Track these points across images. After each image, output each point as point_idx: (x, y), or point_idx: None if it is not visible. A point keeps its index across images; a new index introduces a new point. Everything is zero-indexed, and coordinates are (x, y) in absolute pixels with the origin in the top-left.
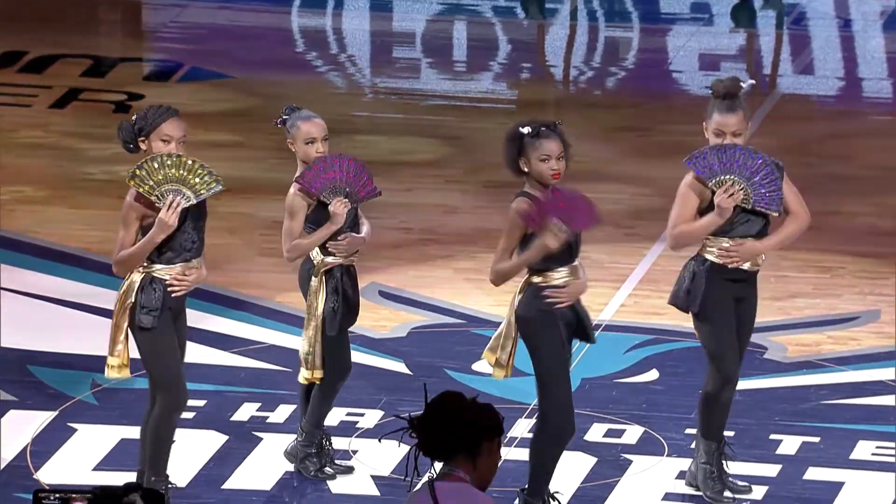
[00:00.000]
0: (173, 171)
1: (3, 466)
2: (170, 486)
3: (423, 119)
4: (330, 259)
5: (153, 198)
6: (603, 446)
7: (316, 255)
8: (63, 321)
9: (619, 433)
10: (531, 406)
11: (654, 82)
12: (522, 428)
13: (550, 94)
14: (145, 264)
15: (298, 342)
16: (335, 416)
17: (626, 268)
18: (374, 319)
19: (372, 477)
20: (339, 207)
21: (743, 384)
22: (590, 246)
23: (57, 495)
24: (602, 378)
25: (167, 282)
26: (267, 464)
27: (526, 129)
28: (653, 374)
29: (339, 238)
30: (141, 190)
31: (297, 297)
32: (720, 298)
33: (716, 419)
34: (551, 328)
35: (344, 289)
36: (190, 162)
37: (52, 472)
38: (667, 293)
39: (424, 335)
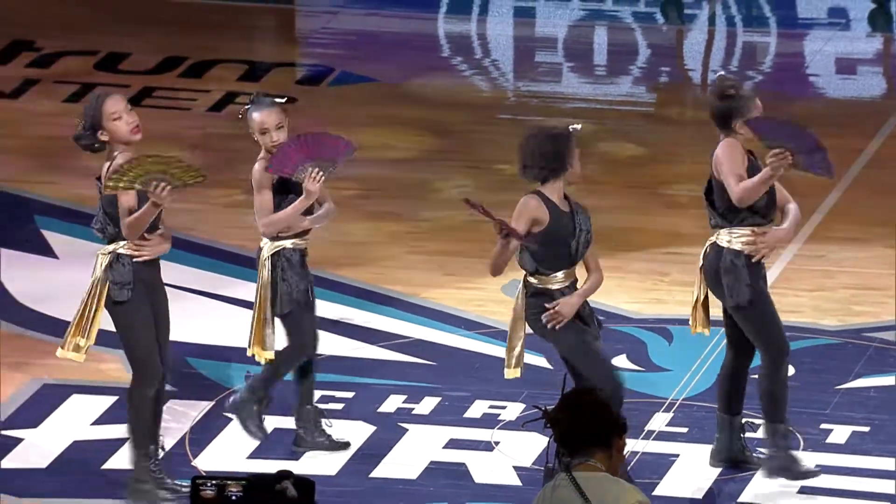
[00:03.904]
0: (149, 167)
1: (164, 453)
2: (161, 451)
3: (565, 122)
4: (276, 243)
5: (135, 186)
6: None
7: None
8: (216, 314)
9: (755, 428)
10: (668, 400)
11: (791, 86)
12: (660, 422)
13: (689, 98)
14: (108, 243)
15: (443, 337)
16: (478, 409)
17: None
18: None
19: (514, 467)
20: (311, 185)
21: (879, 381)
22: None
23: (213, 482)
24: None
25: (132, 252)
26: (413, 454)
27: (575, 129)
28: (789, 371)
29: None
30: (121, 185)
31: (443, 294)
32: (757, 282)
33: (784, 397)
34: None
35: (288, 269)
36: (166, 156)
37: (208, 460)
38: (803, 292)
39: None
